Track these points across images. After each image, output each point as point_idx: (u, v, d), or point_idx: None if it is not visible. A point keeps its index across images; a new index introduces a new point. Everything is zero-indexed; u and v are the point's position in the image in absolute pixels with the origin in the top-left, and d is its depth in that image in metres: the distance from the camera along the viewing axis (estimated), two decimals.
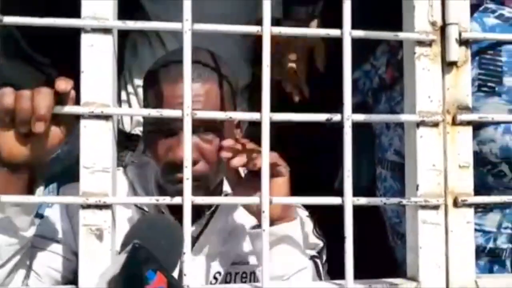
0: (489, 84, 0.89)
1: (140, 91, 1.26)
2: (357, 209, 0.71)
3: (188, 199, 0.69)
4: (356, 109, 1.21)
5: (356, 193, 0.72)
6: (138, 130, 1.24)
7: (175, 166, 0.85)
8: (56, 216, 0.96)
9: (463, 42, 0.74)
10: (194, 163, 0.87)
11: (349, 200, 0.71)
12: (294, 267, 0.87)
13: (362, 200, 0.72)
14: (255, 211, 0.87)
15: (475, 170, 0.90)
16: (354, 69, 1.27)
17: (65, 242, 0.94)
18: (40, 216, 0.98)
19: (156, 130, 0.89)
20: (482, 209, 0.97)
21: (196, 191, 0.88)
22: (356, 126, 0.72)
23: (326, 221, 1.01)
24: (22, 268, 0.85)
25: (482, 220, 0.98)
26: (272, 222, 0.85)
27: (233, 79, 0.94)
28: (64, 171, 1.25)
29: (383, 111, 1.12)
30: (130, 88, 1.30)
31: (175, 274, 0.69)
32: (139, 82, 1.25)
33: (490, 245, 0.98)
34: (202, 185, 0.89)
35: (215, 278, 0.96)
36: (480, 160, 0.91)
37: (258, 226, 0.90)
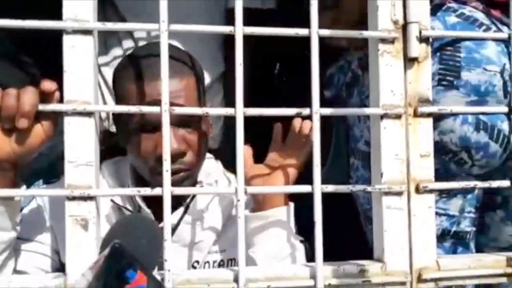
0: (448, 78, 0.95)
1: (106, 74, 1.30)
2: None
3: (167, 190, 0.74)
4: (331, 102, 1.28)
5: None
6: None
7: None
8: (34, 217, 0.99)
9: (423, 40, 0.80)
10: (183, 154, 0.93)
11: (318, 188, 0.76)
12: (288, 249, 0.93)
13: (330, 188, 0.78)
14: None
15: (439, 159, 0.96)
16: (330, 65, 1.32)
17: (46, 242, 0.97)
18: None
19: (139, 127, 0.93)
20: (447, 195, 1.03)
21: (185, 180, 0.94)
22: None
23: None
24: (8, 269, 0.88)
25: (447, 205, 1.04)
26: (267, 206, 0.92)
27: (203, 79, 0.99)
28: (48, 167, 1.28)
29: (354, 104, 1.17)
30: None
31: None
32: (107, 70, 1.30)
33: (455, 228, 1.04)
34: (190, 175, 0.94)
35: (193, 267, 1.01)
36: (441, 149, 0.97)
37: (251, 209, 0.96)
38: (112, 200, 0.99)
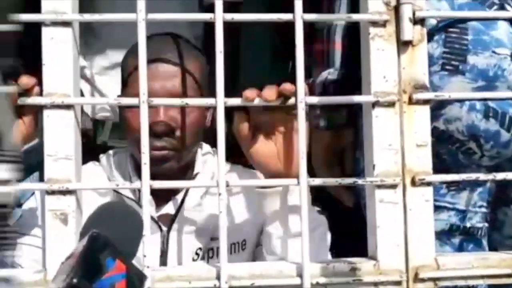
0: (453, 62, 0.88)
1: None
2: None
3: (146, 184, 0.72)
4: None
5: None
6: (101, 116, 1.27)
7: (153, 134, 0.87)
8: (33, 213, 0.98)
9: (417, 21, 0.74)
10: (172, 131, 0.92)
11: (304, 181, 0.73)
12: (316, 222, 0.90)
13: (317, 181, 0.74)
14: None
15: (446, 149, 0.90)
16: None
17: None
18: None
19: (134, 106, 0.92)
20: (456, 188, 0.96)
21: (169, 161, 0.92)
22: None
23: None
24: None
25: (455, 199, 0.97)
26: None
27: (200, 68, 0.97)
28: (42, 163, 1.29)
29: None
30: None
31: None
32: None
33: (464, 223, 0.97)
34: (176, 156, 0.93)
35: (196, 254, 0.99)
36: (448, 138, 0.91)
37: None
38: (114, 190, 0.99)
